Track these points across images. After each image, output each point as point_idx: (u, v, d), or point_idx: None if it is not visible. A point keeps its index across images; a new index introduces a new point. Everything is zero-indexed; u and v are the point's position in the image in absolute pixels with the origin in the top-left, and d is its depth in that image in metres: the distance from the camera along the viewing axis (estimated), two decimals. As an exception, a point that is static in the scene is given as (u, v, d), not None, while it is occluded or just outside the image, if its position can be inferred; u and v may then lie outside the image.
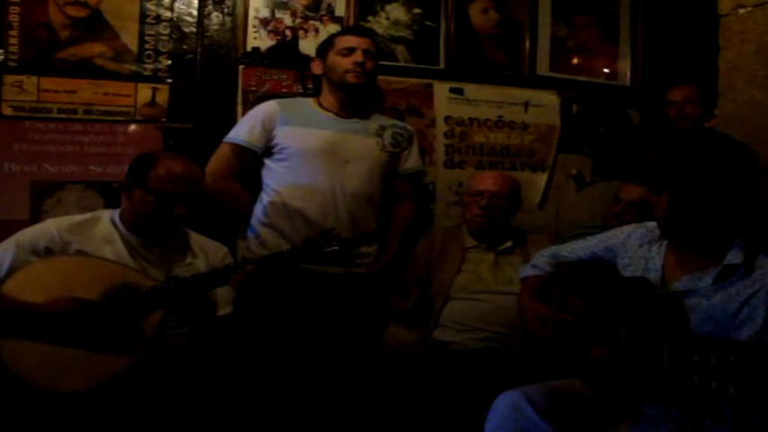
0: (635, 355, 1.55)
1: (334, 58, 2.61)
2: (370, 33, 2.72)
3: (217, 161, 2.57)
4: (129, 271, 2.01)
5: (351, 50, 2.59)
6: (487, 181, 2.72)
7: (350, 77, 2.58)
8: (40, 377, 1.81)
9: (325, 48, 2.67)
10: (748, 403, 1.30)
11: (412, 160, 2.80)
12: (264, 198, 2.60)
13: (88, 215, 2.12)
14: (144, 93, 2.68)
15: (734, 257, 1.61)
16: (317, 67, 2.71)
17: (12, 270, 1.93)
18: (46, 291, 1.89)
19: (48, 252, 1.98)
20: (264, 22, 2.82)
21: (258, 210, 2.60)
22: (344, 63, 2.58)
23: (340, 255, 2.22)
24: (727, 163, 1.61)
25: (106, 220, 2.11)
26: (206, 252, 2.23)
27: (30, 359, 1.82)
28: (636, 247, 1.85)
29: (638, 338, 1.55)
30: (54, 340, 1.85)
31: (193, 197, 2.06)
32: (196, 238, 2.25)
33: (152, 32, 2.69)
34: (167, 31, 2.72)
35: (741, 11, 2.21)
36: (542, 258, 2.14)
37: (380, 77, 2.84)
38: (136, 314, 1.94)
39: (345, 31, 2.73)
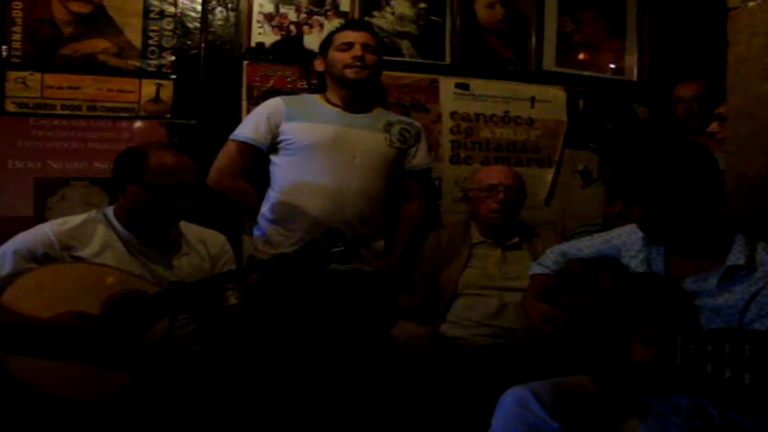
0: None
1: (333, 54, 2.61)
2: (368, 27, 2.70)
3: (223, 159, 2.55)
4: (131, 277, 1.96)
5: (349, 45, 2.57)
6: (500, 175, 2.71)
7: (349, 73, 2.57)
8: (44, 388, 1.77)
9: (325, 45, 2.67)
10: (765, 392, 1.28)
11: (420, 157, 2.76)
12: (271, 195, 2.58)
13: (84, 216, 2.07)
14: (148, 89, 2.67)
15: (736, 258, 1.63)
16: (319, 65, 2.71)
17: (11, 278, 1.88)
18: (46, 300, 1.84)
19: (47, 258, 1.93)
20: (269, 18, 2.80)
21: (265, 207, 2.58)
22: (343, 58, 2.57)
23: (344, 254, 2.19)
24: (709, 165, 1.68)
25: (101, 222, 2.06)
26: (204, 242, 2.21)
27: (33, 371, 1.78)
28: (637, 247, 1.87)
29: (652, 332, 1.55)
30: (56, 353, 1.79)
31: (192, 187, 2.03)
32: (193, 229, 2.23)
33: (156, 28, 2.69)
34: (171, 27, 2.71)
35: (750, 4, 2.19)
36: (550, 257, 2.15)
37: (386, 73, 2.82)
38: (139, 324, 1.88)
39: (343, 26, 2.71)
